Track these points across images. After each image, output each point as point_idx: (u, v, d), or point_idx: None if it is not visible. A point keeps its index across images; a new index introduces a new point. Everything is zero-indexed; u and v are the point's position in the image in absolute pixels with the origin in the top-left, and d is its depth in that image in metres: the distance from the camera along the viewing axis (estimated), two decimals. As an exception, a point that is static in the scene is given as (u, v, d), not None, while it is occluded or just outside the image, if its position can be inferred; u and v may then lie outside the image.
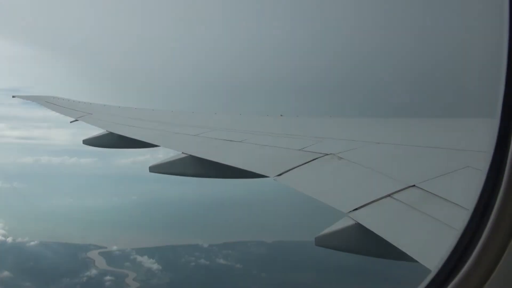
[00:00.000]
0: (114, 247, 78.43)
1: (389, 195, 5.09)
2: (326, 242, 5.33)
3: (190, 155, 8.88)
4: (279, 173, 6.76)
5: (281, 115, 12.99)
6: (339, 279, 60.30)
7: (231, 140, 9.49)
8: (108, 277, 65.81)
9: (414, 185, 5.14)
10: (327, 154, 7.03)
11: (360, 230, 4.87)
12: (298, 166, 6.85)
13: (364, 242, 4.97)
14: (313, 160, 6.95)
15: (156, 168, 9.14)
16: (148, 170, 9.25)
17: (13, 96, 22.50)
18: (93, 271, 67.46)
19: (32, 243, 77.43)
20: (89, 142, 12.65)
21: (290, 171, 6.76)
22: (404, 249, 4.20)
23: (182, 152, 9.07)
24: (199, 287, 63.28)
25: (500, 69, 1.62)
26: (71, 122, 14.97)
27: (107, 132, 12.34)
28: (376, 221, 4.86)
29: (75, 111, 16.00)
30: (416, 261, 3.97)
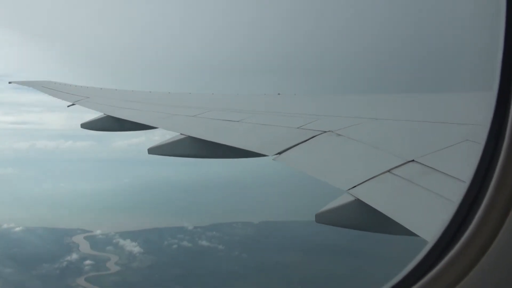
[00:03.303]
0: (98, 231, 78.01)
1: (388, 171, 5.11)
2: (327, 218, 5.35)
3: (189, 136, 8.88)
4: (277, 152, 6.77)
5: (279, 94, 12.96)
6: (324, 259, 60.06)
7: (229, 120, 9.48)
8: (88, 262, 65.15)
9: (413, 160, 5.15)
10: (325, 132, 7.03)
11: (360, 206, 4.89)
12: (296, 145, 6.85)
13: (365, 218, 5.00)
14: (312, 138, 6.95)
15: (155, 150, 9.14)
16: (146, 152, 9.26)
17: (10, 82, 22.40)
18: (74, 256, 66.98)
19: (17, 229, 76.94)
20: (87, 125, 12.63)
21: (289, 150, 6.77)
22: (404, 224, 4.23)
23: (181, 133, 9.06)
24: (179, 270, 62.90)
25: (497, 40, 1.62)
26: (68, 106, 14.93)
27: (105, 115, 12.32)
28: (376, 197, 4.88)
29: (72, 95, 15.93)
30: (417, 235, 3.99)
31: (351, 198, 4.98)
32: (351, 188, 5.08)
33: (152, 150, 9.18)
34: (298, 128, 7.62)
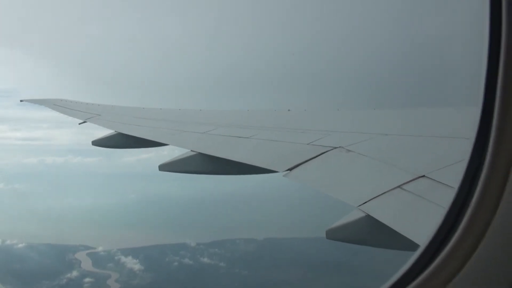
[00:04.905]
0: (100, 248, 77.24)
1: (399, 186, 5.09)
2: (337, 235, 5.33)
3: (199, 152, 8.91)
4: (288, 168, 6.77)
5: (289, 110, 12.98)
6: (330, 276, 59.21)
7: (239, 137, 9.50)
8: (88, 279, 64.25)
9: (423, 176, 5.13)
10: (335, 147, 7.03)
11: (371, 222, 4.87)
12: (307, 161, 6.85)
13: (375, 234, 4.98)
14: (322, 153, 6.95)
15: (166, 167, 9.18)
16: (154, 169, 9.31)
17: (21, 100, 22.63)
18: (75, 273, 66.08)
19: (20, 245, 76.21)
20: (98, 143, 12.72)
21: (299, 166, 6.77)
22: (415, 240, 4.20)
23: (191, 150, 9.10)
24: (178, 287, 62.30)
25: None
26: (80, 124, 15.06)
27: (115, 132, 12.40)
28: (386, 213, 4.86)
29: (83, 112, 16.07)
30: None
31: (361, 214, 4.97)
32: (362, 204, 5.07)
33: (163, 167, 9.22)
34: (308, 144, 7.63)
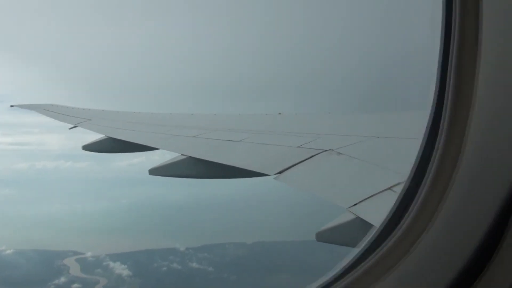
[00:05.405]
0: (89, 253, 76.17)
1: (389, 188, 5.08)
2: (327, 237, 5.32)
3: (190, 156, 8.89)
4: (278, 171, 6.76)
5: (280, 113, 12.99)
6: (317, 279, 58.96)
7: (230, 140, 9.49)
8: (75, 285, 63.44)
9: None
10: (326, 150, 7.03)
11: (361, 224, 4.86)
12: (297, 163, 6.84)
13: (365, 236, 4.96)
14: (313, 156, 6.94)
15: (156, 171, 9.14)
16: (145, 173, 9.27)
17: (12, 106, 22.50)
18: (63, 279, 65.20)
19: (8, 251, 75.19)
20: (89, 147, 12.67)
21: (290, 168, 6.76)
22: None
23: (182, 154, 9.07)
24: None
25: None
26: (70, 128, 15.00)
27: (106, 137, 12.36)
28: (376, 215, 4.85)
29: (74, 117, 16.02)
30: None
31: (352, 216, 4.95)
32: (352, 206, 5.06)
33: (153, 171, 9.18)
34: (298, 147, 7.62)
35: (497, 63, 1.60)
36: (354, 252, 1.99)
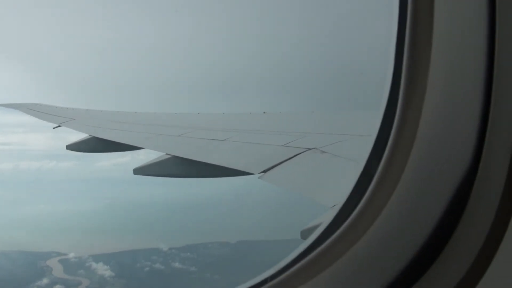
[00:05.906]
0: (72, 254, 74.58)
1: None
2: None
3: (174, 155, 8.88)
4: (263, 170, 6.78)
5: (265, 112, 13.03)
6: None
7: (214, 139, 9.50)
8: (58, 286, 62.10)
9: None
10: (310, 149, 7.06)
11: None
12: (282, 162, 6.87)
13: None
14: (297, 155, 6.97)
15: (141, 171, 9.12)
16: (130, 173, 9.25)
17: None
18: (45, 281, 63.80)
19: None
20: (73, 147, 12.60)
21: (274, 167, 6.78)
22: None
23: (166, 153, 9.06)
24: None
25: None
26: (54, 128, 14.91)
27: (90, 136, 12.30)
28: None
29: (58, 117, 15.93)
30: None
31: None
32: (336, 204, 5.09)
33: (138, 171, 9.16)
34: (283, 146, 7.65)
35: (449, 62, 1.61)
36: (295, 251, 1.95)
